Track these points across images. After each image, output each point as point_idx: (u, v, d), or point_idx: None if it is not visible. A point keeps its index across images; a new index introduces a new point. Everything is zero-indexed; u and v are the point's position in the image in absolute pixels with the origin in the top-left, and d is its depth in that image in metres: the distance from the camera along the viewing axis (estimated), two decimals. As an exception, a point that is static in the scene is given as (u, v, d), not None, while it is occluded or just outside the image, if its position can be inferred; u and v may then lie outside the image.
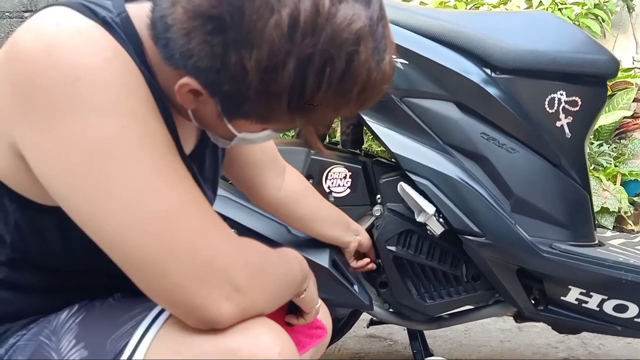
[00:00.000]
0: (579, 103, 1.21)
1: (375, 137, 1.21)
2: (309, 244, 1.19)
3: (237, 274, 0.60)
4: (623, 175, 2.98)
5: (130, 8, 0.64)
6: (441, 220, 1.18)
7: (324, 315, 1.03)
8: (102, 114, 0.55)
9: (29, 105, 0.55)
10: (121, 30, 0.61)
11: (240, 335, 0.61)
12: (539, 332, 1.94)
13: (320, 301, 0.89)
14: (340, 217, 1.16)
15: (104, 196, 0.56)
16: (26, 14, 3.97)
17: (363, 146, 1.46)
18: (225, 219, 1.17)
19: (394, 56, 0.60)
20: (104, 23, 0.59)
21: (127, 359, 0.61)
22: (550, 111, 1.20)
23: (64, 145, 0.55)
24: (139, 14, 0.63)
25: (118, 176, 0.56)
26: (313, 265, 1.19)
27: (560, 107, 1.21)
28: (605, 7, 3.38)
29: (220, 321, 0.60)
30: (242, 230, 1.17)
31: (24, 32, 0.56)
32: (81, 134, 0.55)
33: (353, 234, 1.18)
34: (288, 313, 0.85)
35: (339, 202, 1.24)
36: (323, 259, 1.18)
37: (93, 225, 0.57)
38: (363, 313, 1.48)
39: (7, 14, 4.01)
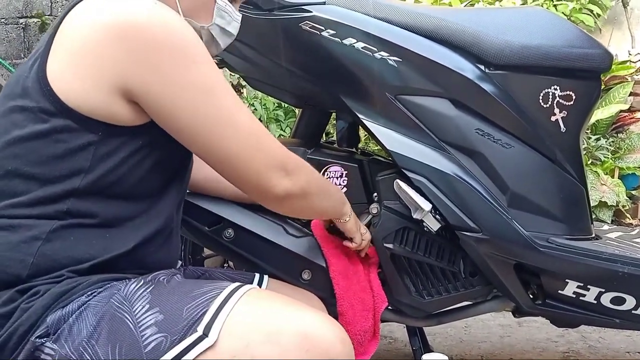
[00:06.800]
0: (573, 97, 1.21)
1: (371, 135, 1.22)
2: (306, 244, 1.20)
3: (290, 165, 0.87)
4: (621, 169, 2.99)
5: None
6: (438, 216, 1.18)
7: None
8: (201, 61, 0.80)
9: (153, 62, 0.76)
10: None
11: (311, 319, 0.74)
12: (539, 327, 1.95)
13: (368, 231, 1.17)
14: None
15: (213, 118, 0.80)
16: (21, 20, 3.97)
17: (359, 145, 1.46)
18: (221, 219, 1.17)
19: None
20: None
21: (206, 324, 0.71)
22: (544, 106, 1.21)
23: (184, 86, 0.78)
24: None
25: (219, 104, 0.81)
26: (311, 265, 1.19)
27: (555, 102, 1.21)
28: (599, 2, 3.39)
29: (274, 192, 0.86)
30: (238, 230, 1.17)
31: (138, 12, 0.76)
32: (194, 77, 0.79)
33: None
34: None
35: (335, 201, 1.23)
36: (320, 259, 1.19)
37: (202, 139, 0.81)
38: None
39: (2, 20, 4.01)
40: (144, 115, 0.80)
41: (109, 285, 0.77)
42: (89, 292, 0.76)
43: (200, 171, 1.08)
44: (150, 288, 0.77)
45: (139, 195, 0.84)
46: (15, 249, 0.76)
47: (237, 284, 0.78)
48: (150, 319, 0.72)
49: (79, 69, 0.77)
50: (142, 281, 0.79)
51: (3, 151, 0.79)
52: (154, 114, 0.80)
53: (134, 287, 0.77)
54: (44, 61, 0.78)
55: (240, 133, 0.83)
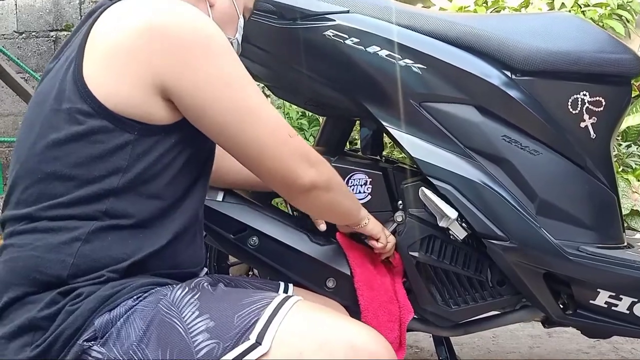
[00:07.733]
0: (603, 103, 1.19)
1: (396, 142, 1.21)
2: (331, 252, 1.19)
3: (314, 157, 0.91)
4: (652, 176, 2.91)
5: None
6: (464, 224, 1.16)
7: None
8: (226, 55, 0.84)
9: (183, 58, 0.80)
10: None
11: (359, 331, 0.77)
12: (570, 338, 1.91)
13: (391, 234, 1.19)
14: None
15: (241, 110, 0.84)
16: (52, 33, 4.07)
17: (383, 152, 1.46)
18: (246, 226, 1.18)
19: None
20: None
21: (259, 333, 0.73)
22: (573, 112, 1.19)
23: (213, 80, 0.82)
24: None
25: (245, 96, 0.85)
26: (336, 273, 1.18)
27: (584, 108, 1.19)
28: (629, 8, 3.33)
29: (301, 183, 0.90)
30: (263, 238, 1.17)
31: (166, 13, 0.81)
32: (221, 71, 0.83)
33: None
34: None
35: (360, 209, 1.23)
36: (345, 267, 1.18)
37: (230, 131, 0.84)
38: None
39: (33, 33, 4.12)
40: (177, 113, 0.84)
41: (153, 290, 0.79)
42: (135, 296, 0.78)
43: (222, 164, 1.10)
44: (198, 295, 0.79)
45: (170, 193, 0.86)
46: (55, 250, 0.78)
47: (284, 295, 0.81)
48: (201, 325, 0.74)
49: (115, 71, 0.80)
50: (187, 288, 0.80)
51: (41, 155, 0.82)
52: (186, 110, 0.83)
53: (181, 293, 0.79)
54: (79, 64, 0.81)
55: (267, 125, 0.86)
